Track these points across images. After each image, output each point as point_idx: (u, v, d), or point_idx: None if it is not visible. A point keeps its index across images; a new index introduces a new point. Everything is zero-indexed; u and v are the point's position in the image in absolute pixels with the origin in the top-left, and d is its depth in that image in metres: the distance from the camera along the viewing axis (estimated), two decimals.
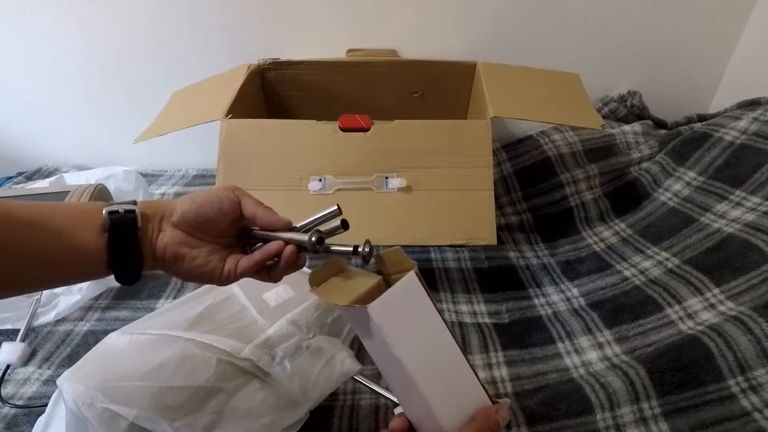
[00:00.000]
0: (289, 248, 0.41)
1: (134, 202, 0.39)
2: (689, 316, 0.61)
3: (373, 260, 0.41)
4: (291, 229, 0.42)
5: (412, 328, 0.36)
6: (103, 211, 0.37)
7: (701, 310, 0.61)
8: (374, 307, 0.34)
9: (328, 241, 0.41)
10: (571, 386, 0.56)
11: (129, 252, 0.38)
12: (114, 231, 0.37)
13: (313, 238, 0.39)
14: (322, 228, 0.42)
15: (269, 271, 0.42)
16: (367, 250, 0.40)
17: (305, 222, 0.42)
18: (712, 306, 0.61)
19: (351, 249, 0.40)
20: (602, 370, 0.58)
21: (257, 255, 0.41)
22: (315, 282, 0.40)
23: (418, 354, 0.35)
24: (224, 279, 0.41)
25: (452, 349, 0.38)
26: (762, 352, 0.52)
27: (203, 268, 0.40)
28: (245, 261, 0.41)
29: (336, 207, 0.42)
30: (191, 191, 0.48)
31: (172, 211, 0.40)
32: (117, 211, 0.37)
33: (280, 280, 0.43)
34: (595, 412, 0.53)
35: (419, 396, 0.35)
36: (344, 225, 0.41)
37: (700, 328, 0.58)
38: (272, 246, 0.41)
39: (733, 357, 0.53)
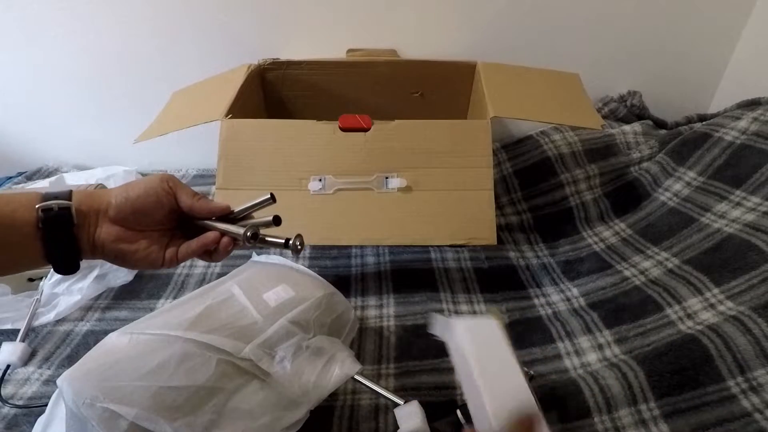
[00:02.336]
0: (226, 239, 0.43)
1: (69, 195, 0.39)
2: (689, 316, 0.61)
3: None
4: (228, 214, 0.45)
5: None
6: (37, 208, 0.37)
7: (701, 310, 0.61)
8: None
9: (261, 231, 0.44)
10: (570, 389, 0.56)
11: (65, 247, 0.38)
12: (48, 228, 0.37)
13: (249, 233, 0.42)
14: (256, 215, 0.45)
15: (210, 254, 0.44)
16: (298, 244, 0.43)
17: (241, 208, 0.45)
18: (712, 306, 0.61)
19: (283, 241, 0.43)
20: (600, 370, 0.58)
21: (195, 245, 0.43)
22: None
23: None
24: (166, 265, 0.43)
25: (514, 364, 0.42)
26: (761, 353, 0.52)
27: (145, 260, 0.42)
28: (184, 249, 0.43)
29: (269, 195, 0.44)
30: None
31: (107, 205, 0.40)
32: (51, 209, 0.37)
33: (219, 261, 0.48)
34: (593, 415, 0.53)
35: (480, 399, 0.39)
36: (276, 221, 0.43)
37: (699, 328, 0.58)
38: (209, 237, 0.43)
39: (732, 358, 0.53)
